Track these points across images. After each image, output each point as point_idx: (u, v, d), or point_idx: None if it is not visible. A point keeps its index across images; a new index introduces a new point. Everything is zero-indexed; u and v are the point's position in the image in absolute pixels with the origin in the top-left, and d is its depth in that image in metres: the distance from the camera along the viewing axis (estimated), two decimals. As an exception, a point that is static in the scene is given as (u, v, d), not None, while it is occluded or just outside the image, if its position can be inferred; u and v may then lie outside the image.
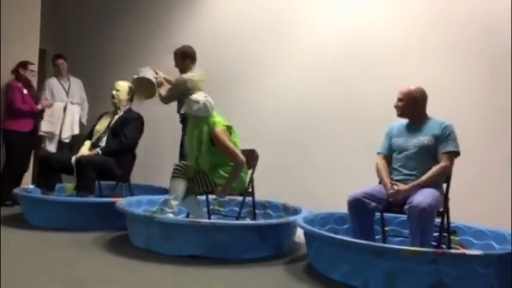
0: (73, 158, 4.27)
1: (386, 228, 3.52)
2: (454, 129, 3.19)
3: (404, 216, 3.52)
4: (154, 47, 6.22)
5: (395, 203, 3.11)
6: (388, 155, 3.36)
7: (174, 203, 3.61)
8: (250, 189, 3.85)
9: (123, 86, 4.63)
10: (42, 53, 5.84)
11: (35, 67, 5.20)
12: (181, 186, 3.64)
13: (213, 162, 3.74)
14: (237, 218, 3.86)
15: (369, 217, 3.15)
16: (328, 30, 5.08)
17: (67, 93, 5.70)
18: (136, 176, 4.80)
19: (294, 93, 5.28)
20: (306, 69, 5.22)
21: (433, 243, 3.04)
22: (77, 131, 5.71)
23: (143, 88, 4.61)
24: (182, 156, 4.45)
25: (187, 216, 3.97)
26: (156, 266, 3.06)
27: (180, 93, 4.44)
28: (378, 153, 3.41)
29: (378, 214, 3.32)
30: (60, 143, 5.63)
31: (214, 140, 3.68)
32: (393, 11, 4.76)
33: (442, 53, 4.43)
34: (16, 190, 4.38)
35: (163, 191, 4.74)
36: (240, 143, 3.95)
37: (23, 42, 5.26)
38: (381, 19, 4.80)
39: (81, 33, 6.80)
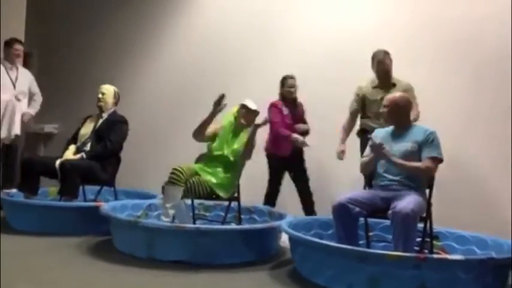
0: (57, 162, 4.23)
1: (370, 234, 3.54)
2: (438, 136, 3.24)
3: (387, 222, 3.55)
4: (142, 47, 6.21)
5: (379, 208, 3.14)
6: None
7: (171, 211, 3.55)
8: (236, 194, 3.86)
9: (109, 89, 4.60)
10: (26, 56, 5.62)
11: None
12: (179, 193, 3.57)
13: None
14: (223, 223, 3.86)
15: (353, 222, 3.18)
16: (317, 32, 5.13)
17: (14, 86, 5.01)
18: (121, 181, 4.77)
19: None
20: (294, 71, 5.24)
21: (416, 248, 3.07)
22: (17, 131, 5.03)
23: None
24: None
25: (172, 221, 3.96)
26: (140, 272, 3.04)
27: None
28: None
29: (361, 219, 3.34)
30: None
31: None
32: (381, 16, 4.84)
33: (428, 58, 4.51)
34: (-4, 194, 4.32)
35: (149, 196, 4.73)
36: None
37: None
38: (369, 23, 4.87)
39: (68, 35, 6.73)
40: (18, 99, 5.05)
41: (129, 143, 4.67)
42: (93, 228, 3.93)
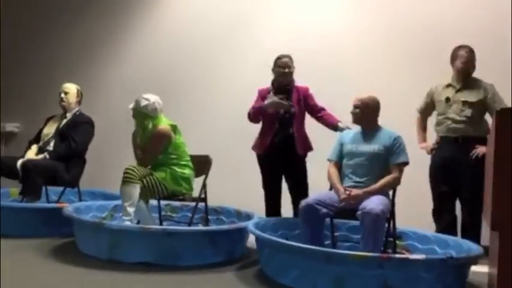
0: (19, 162, 4.12)
1: (336, 234, 3.59)
2: (403, 140, 3.32)
3: (353, 222, 3.62)
4: (108, 45, 6.11)
5: (346, 208, 3.19)
6: (339, 162, 3.45)
7: (130, 209, 3.51)
8: (202, 195, 3.85)
9: (71, 89, 4.50)
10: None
11: None
12: (136, 191, 3.55)
13: (159, 161, 3.75)
14: (189, 224, 3.84)
15: (320, 223, 3.21)
16: (283, 35, 5.17)
17: None
18: (86, 182, 4.68)
19: (249, 98, 5.31)
20: (262, 74, 5.26)
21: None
22: None
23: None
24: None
25: (138, 222, 3.91)
26: (105, 274, 2.99)
27: None
28: (329, 160, 3.48)
29: (327, 220, 3.38)
30: None
31: (151, 138, 3.72)
32: (346, 20, 4.93)
33: (394, 62, 4.60)
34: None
35: (114, 197, 4.66)
36: (193, 148, 3.94)
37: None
38: (334, 26, 4.96)
39: (31, 30, 6.55)
40: None
41: (95, 144, 4.59)
42: (56, 230, 3.85)
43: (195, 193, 3.86)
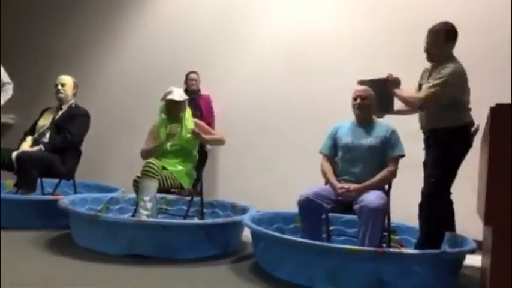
0: (14, 154, 4.10)
1: (331, 228, 3.61)
2: (398, 133, 3.33)
3: (347, 216, 3.64)
4: (103, 39, 6.09)
5: (343, 203, 3.20)
6: (331, 156, 3.43)
7: (149, 204, 3.48)
8: (199, 189, 3.86)
9: (68, 80, 4.48)
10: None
11: None
12: (155, 186, 3.53)
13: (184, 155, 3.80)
14: (185, 217, 3.85)
15: (318, 216, 3.22)
16: (279, 30, 5.19)
17: None
18: (82, 174, 4.67)
19: (248, 88, 5.33)
20: (257, 69, 5.28)
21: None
22: None
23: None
24: None
25: (133, 215, 3.91)
26: (101, 267, 3.00)
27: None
28: (323, 154, 3.46)
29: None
30: None
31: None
32: (344, 14, 4.97)
33: (385, 60, 4.60)
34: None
35: (110, 190, 4.66)
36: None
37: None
38: (332, 20, 4.99)
39: (26, 28, 6.52)
40: None
41: (90, 136, 4.58)
42: (51, 222, 3.85)
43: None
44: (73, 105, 4.48)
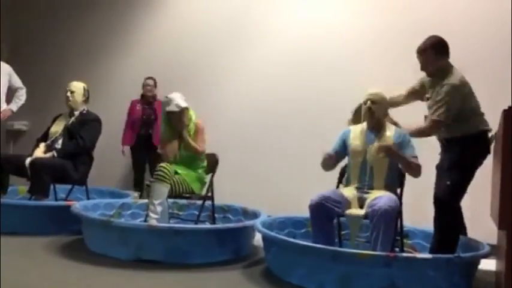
0: (27, 160, 4.15)
1: (343, 232, 3.59)
2: None
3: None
4: (115, 43, 6.14)
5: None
6: (335, 154, 3.38)
7: (159, 208, 3.50)
8: (210, 193, 3.86)
9: (77, 87, 4.50)
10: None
11: None
12: (166, 190, 3.55)
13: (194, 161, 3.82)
14: (196, 222, 3.86)
15: (330, 221, 3.20)
16: (289, 32, 5.21)
17: None
18: (94, 179, 4.71)
19: (255, 90, 5.35)
20: (267, 71, 5.29)
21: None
22: None
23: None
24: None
25: (145, 220, 3.93)
26: (113, 272, 3.01)
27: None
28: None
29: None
30: None
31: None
32: (349, 19, 4.99)
33: (392, 59, 4.59)
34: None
35: (122, 195, 4.69)
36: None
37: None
38: (338, 22, 5.03)
39: (39, 29, 6.59)
40: None
41: (102, 142, 4.61)
42: (64, 228, 3.88)
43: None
44: (84, 111, 4.51)
